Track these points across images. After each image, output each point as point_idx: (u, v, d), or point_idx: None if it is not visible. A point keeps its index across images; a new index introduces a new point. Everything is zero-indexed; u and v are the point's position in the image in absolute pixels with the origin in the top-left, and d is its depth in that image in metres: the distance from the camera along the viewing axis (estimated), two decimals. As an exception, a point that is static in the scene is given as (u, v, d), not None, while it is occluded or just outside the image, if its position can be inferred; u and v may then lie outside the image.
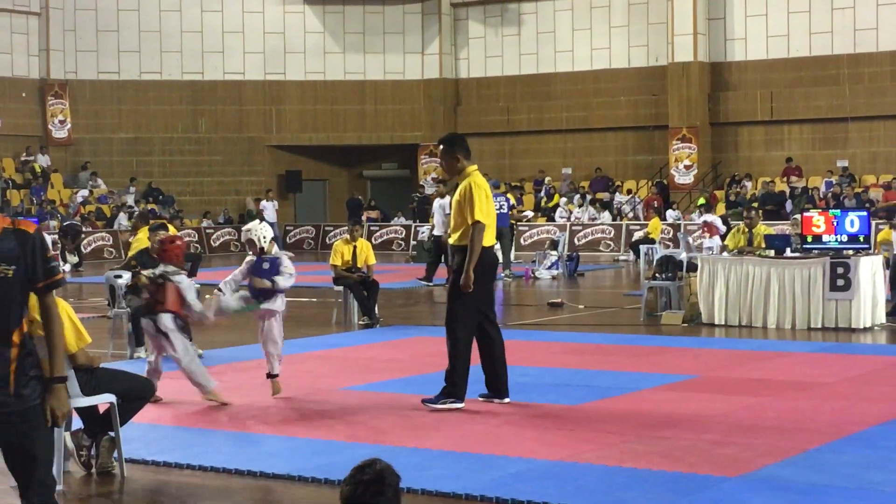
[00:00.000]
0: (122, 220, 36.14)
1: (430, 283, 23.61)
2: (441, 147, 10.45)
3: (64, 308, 7.77)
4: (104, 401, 7.99)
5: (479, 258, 10.02)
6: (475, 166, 10.34)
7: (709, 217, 28.26)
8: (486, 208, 10.05)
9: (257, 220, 11.72)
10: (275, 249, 11.17)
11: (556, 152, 40.88)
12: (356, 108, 42.21)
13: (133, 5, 40.78)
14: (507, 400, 10.34)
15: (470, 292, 10.00)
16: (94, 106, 40.74)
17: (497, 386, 10.40)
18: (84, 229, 34.90)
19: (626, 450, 8.46)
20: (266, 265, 10.93)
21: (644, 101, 38.95)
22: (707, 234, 26.01)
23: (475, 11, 41.93)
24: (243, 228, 11.58)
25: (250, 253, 11.21)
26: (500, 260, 23.09)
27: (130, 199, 39.00)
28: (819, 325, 15.63)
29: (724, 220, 28.10)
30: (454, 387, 10.15)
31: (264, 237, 11.09)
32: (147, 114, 41.12)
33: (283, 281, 10.91)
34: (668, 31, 37.72)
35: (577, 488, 7.35)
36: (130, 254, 15.77)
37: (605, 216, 36.55)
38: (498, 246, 14.58)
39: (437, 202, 24.72)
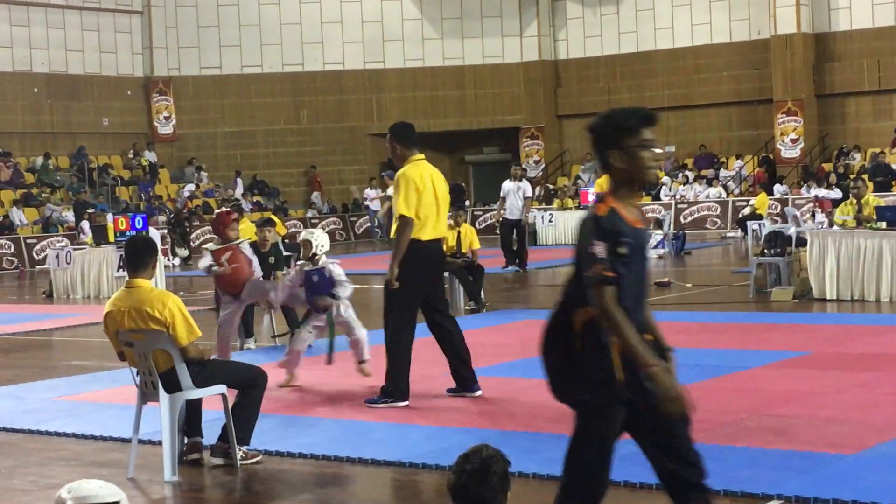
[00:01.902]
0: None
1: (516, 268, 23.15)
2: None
3: (174, 302, 7.88)
4: (216, 392, 8.07)
5: (418, 252, 9.68)
6: (419, 156, 9.91)
7: (821, 192, 27.80)
8: (420, 201, 9.66)
9: (319, 229, 11.84)
10: (323, 259, 11.13)
11: (659, 130, 39.66)
12: (456, 94, 42.22)
13: (232, 0, 41.21)
14: (477, 393, 9.95)
15: (411, 289, 9.69)
16: (197, 101, 41.26)
17: (464, 379, 10.02)
18: (193, 223, 35.41)
19: (738, 429, 8.34)
20: (315, 277, 10.96)
21: (747, 76, 38.41)
22: (819, 209, 25.57)
23: (572, -8, 41.69)
24: (305, 231, 11.64)
25: (301, 257, 11.31)
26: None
27: (238, 192, 39.44)
28: (934, 298, 15.30)
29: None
30: (394, 385, 9.81)
31: (322, 245, 11.13)
32: (249, 107, 41.55)
33: (343, 291, 10.96)
34: (769, 2, 37.12)
35: (690, 469, 7.25)
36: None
37: (713, 192, 36.13)
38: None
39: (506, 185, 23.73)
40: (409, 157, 9.90)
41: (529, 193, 24.00)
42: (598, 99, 41.10)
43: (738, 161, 38.08)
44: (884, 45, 36.26)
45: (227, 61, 41.42)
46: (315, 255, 11.08)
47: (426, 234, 9.78)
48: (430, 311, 10.00)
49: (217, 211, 12.10)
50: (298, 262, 11.33)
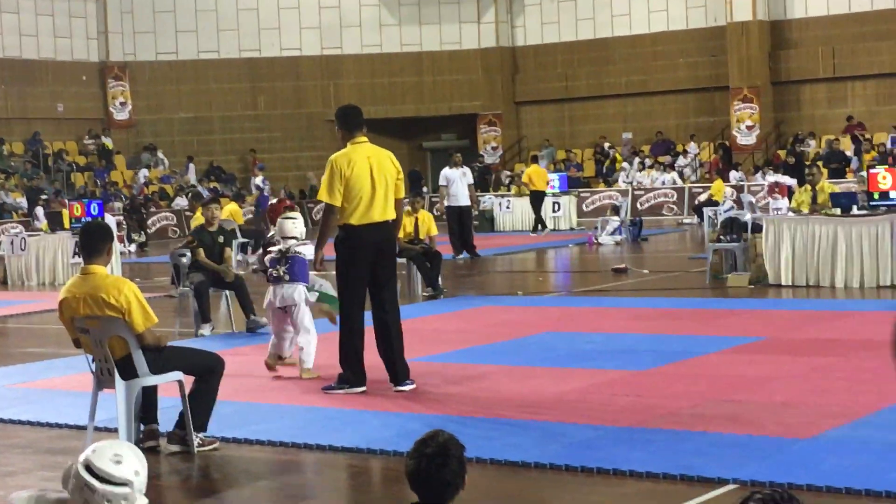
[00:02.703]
0: (182, 202, 36.15)
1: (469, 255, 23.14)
2: None
3: (130, 288, 7.84)
4: (172, 378, 8.03)
5: (349, 237, 9.65)
6: (360, 139, 9.80)
7: (778, 177, 27.97)
8: (348, 185, 9.56)
9: (299, 213, 11.90)
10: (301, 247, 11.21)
11: (616, 117, 40.62)
12: (413, 80, 42.16)
13: (189, -15, 40.99)
14: (406, 388, 9.69)
15: (350, 274, 9.70)
16: (153, 87, 41.00)
17: (393, 372, 9.84)
18: (150, 209, 35.22)
19: (695, 414, 8.39)
20: (288, 264, 11.01)
21: (703, 63, 38.57)
22: (778, 195, 25.73)
23: (530, -22, 41.70)
24: (290, 214, 11.65)
25: (277, 237, 11.34)
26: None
27: (193, 179, 39.25)
28: (888, 283, 15.40)
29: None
30: (350, 372, 9.78)
31: (303, 233, 11.25)
32: (206, 93, 41.32)
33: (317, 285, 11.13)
34: (726, -10, 37.30)
35: (646, 454, 7.30)
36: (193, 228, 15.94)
37: (667, 177, 36.28)
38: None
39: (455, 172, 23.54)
40: (349, 140, 9.83)
41: (472, 179, 24.03)
42: (556, 85, 41.20)
43: (693, 146, 38.23)
44: (838, 32, 36.49)
45: (183, 47, 41.18)
46: (295, 238, 11.15)
47: (356, 219, 9.64)
48: (373, 297, 9.91)
49: (270, 202, 12.17)
50: (277, 247, 11.24)
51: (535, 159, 30.92)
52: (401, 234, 16.83)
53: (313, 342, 10.78)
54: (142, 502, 3.91)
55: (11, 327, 16.60)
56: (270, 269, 11.07)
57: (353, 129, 9.86)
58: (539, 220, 29.40)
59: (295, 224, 11.36)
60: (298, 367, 10.76)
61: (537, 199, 29.31)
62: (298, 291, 10.95)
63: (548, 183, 30.14)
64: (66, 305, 7.90)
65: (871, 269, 15.58)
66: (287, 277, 10.96)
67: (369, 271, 9.76)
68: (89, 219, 21.00)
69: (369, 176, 9.66)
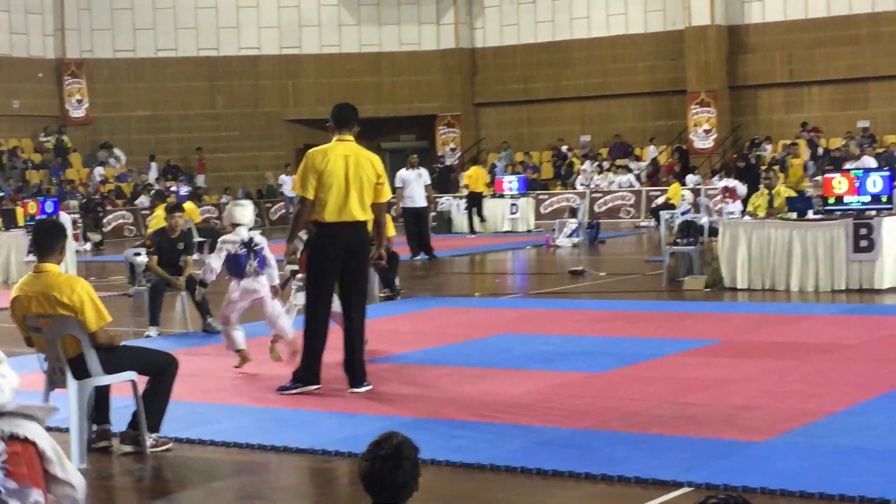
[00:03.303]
0: (145, 202, 35.83)
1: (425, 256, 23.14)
2: None
3: (83, 287, 7.76)
4: (125, 378, 7.96)
5: (319, 234, 9.62)
6: (345, 137, 9.74)
7: (730, 182, 28.07)
8: (320, 182, 9.50)
9: (249, 201, 11.99)
10: (257, 237, 11.34)
11: (575, 120, 40.71)
12: (373, 81, 42.07)
13: (147, -18, 40.73)
14: (362, 389, 9.62)
15: (317, 271, 9.70)
16: (111, 84, 40.72)
17: (351, 375, 9.77)
18: (106, 208, 34.98)
19: (651, 416, 8.40)
20: (257, 258, 11.18)
21: (662, 66, 38.71)
22: (729, 200, 25.85)
23: (490, -20, 41.72)
24: (241, 202, 11.77)
25: (227, 224, 11.50)
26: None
27: (152, 177, 39.00)
28: (843, 287, 15.50)
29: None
30: (303, 370, 9.75)
31: (251, 221, 11.45)
32: (164, 91, 41.08)
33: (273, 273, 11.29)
34: (684, -6, 37.45)
35: (603, 457, 7.30)
36: (148, 233, 15.79)
37: (623, 179, 36.43)
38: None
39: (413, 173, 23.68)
40: (336, 136, 9.79)
41: (429, 180, 24.04)
42: (515, 87, 41.24)
43: (652, 148, 38.38)
44: (795, 37, 36.73)
45: (141, 44, 40.92)
46: (243, 224, 11.26)
47: (327, 216, 9.58)
48: (342, 296, 9.89)
49: None
50: (235, 239, 11.27)
51: (475, 161, 31.65)
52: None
53: (289, 318, 11.19)
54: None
55: (-37, 325, 16.40)
56: (242, 266, 11.12)
57: (341, 126, 9.79)
58: (471, 222, 30.49)
59: (244, 211, 11.39)
60: (278, 347, 11.18)
61: (474, 200, 30.37)
62: (267, 278, 11.17)
63: (487, 184, 31.21)
64: (17, 304, 7.81)
65: (826, 272, 15.67)
66: (259, 270, 11.16)
67: (338, 271, 9.70)
68: (44, 217, 20.82)
69: (343, 174, 9.57)
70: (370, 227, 9.89)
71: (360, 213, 9.64)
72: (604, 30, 39.74)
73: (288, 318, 11.20)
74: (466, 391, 9.65)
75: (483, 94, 42.05)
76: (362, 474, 4.27)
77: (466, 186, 30.85)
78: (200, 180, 40.25)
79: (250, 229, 11.37)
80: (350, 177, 9.59)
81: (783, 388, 9.31)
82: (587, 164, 38.29)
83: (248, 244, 11.11)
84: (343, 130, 9.77)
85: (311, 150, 9.79)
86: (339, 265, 9.67)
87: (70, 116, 40.39)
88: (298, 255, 10.30)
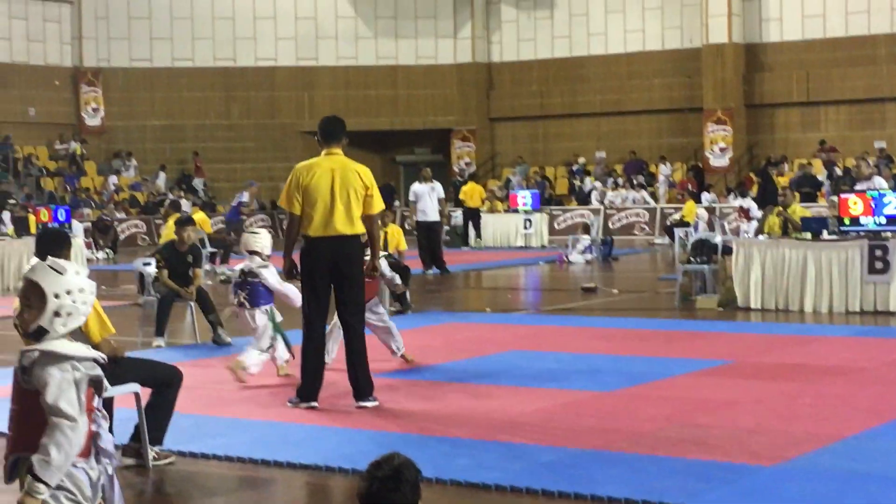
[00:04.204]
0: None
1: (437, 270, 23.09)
2: None
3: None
4: (129, 390, 7.89)
5: (306, 248, 9.57)
6: (333, 150, 9.65)
7: (744, 202, 28.00)
8: (305, 196, 9.47)
9: (265, 230, 11.92)
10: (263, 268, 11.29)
11: (590, 136, 40.64)
12: (388, 94, 42.07)
13: (165, -8, 40.81)
14: (368, 404, 9.54)
15: (306, 286, 9.62)
16: (126, 93, 40.78)
17: (355, 387, 9.68)
18: (117, 216, 34.96)
19: (659, 438, 8.29)
20: (248, 290, 11.18)
21: (678, 84, 38.64)
22: (744, 219, 25.76)
23: (507, -6, 41.70)
24: (254, 229, 11.78)
25: (243, 251, 11.46)
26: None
27: (163, 186, 39.01)
28: (857, 309, 15.38)
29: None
30: (301, 387, 9.68)
31: (265, 247, 11.37)
32: (179, 101, 41.13)
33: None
34: (702, 12, 37.37)
35: (609, 478, 7.19)
36: (161, 242, 15.75)
37: (636, 195, 36.37)
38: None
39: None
40: (324, 150, 9.74)
41: (443, 194, 23.99)
42: (531, 102, 41.19)
43: (664, 166, 38.27)
44: (813, 57, 36.62)
45: (157, 54, 40.98)
46: (258, 253, 11.23)
47: (313, 230, 9.54)
48: (338, 311, 9.83)
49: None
50: (241, 269, 11.25)
51: (472, 177, 32.02)
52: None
53: (278, 345, 11.05)
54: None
55: (-28, 333, 16.35)
56: (232, 295, 11.18)
57: (329, 139, 9.73)
58: (475, 236, 30.91)
59: (257, 239, 11.37)
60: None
61: (470, 215, 30.88)
62: (257, 316, 11.06)
63: (482, 200, 31.59)
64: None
65: (840, 294, 15.55)
66: (248, 304, 11.09)
67: (329, 284, 9.63)
68: (55, 225, 20.81)
69: (329, 187, 9.51)
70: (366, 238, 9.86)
71: (347, 226, 9.54)
72: (621, 46, 39.67)
73: (280, 344, 11.12)
74: (473, 408, 9.56)
75: (498, 108, 42.01)
76: (359, 494, 4.17)
77: (462, 202, 31.11)
78: (198, 184, 40.18)
79: (268, 256, 11.31)
80: (336, 190, 9.50)
81: (794, 410, 9.20)
82: (592, 181, 38.24)
83: (242, 280, 11.13)
84: (331, 143, 9.72)
85: (298, 165, 9.76)
86: (328, 280, 9.59)
87: (85, 125, 40.44)
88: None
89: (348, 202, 9.53)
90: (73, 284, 4.51)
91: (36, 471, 4.32)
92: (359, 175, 9.66)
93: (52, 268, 4.53)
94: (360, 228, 9.66)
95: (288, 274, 10.07)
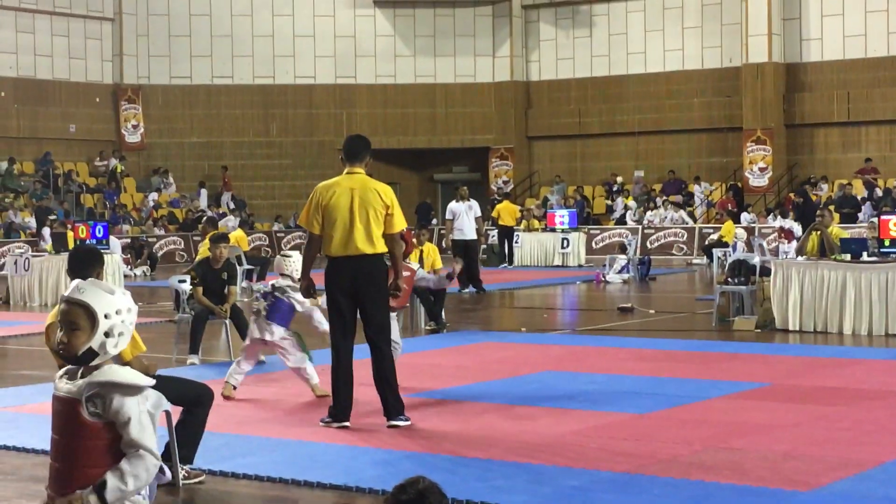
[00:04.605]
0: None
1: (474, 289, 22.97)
2: None
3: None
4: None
5: (330, 268, 9.57)
6: (355, 170, 9.67)
7: (786, 223, 27.80)
8: (324, 216, 9.48)
9: (297, 252, 11.88)
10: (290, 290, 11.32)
11: (628, 155, 40.51)
12: (427, 112, 42.08)
13: (205, 10, 40.99)
14: (400, 423, 9.46)
15: (329, 306, 9.59)
16: (166, 111, 40.99)
17: (386, 407, 9.60)
18: (156, 233, 35.10)
19: (693, 461, 8.18)
20: (271, 302, 11.22)
21: (717, 103, 38.46)
22: (785, 240, 25.56)
23: (546, 13, 41.64)
24: (287, 252, 11.85)
25: (279, 277, 11.45)
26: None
27: (203, 204, 39.17)
28: (897, 332, 15.21)
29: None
30: (333, 406, 9.63)
31: (297, 270, 11.18)
32: (219, 118, 41.29)
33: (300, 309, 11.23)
34: (742, 31, 37.20)
35: (641, 502, 7.10)
36: (197, 259, 15.76)
37: (675, 215, 36.22)
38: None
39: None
40: (346, 170, 9.74)
41: (479, 213, 23.94)
42: (569, 121, 41.11)
43: (697, 186, 38.09)
44: (854, 77, 36.38)
45: (197, 71, 41.17)
46: (290, 276, 11.30)
47: (333, 250, 9.54)
48: (364, 329, 9.74)
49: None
50: (272, 284, 11.29)
51: (507, 195, 32.04)
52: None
53: (307, 360, 11.06)
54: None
55: (11, 348, 16.42)
56: (255, 302, 11.23)
57: (352, 158, 9.73)
58: (507, 255, 30.88)
59: (288, 262, 11.38)
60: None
61: (505, 234, 30.84)
62: (276, 332, 11.09)
63: (517, 219, 31.60)
64: (52, 331, 7.71)
65: (879, 316, 15.38)
66: (265, 314, 11.13)
67: (353, 304, 9.59)
68: (93, 241, 20.88)
69: (349, 206, 9.49)
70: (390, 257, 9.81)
71: (367, 246, 9.50)
72: (660, 65, 39.55)
73: (305, 361, 11.14)
74: (506, 429, 9.47)
75: (537, 127, 41.94)
76: (383, 518, 4.11)
77: (496, 220, 31.05)
78: (227, 198, 40.28)
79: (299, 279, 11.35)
80: (355, 209, 9.48)
81: (831, 435, 9.07)
82: (625, 202, 38.13)
83: (270, 291, 11.14)
84: (354, 163, 9.71)
85: (318, 185, 9.76)
86: (351, 299, 9.56)
87: (125, 141, 40.65)
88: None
89: (368, 221, 9.49)
90: (122, 304, 4.43)
91: (106, 493, 4.22)
92: (378, 194, 9.59)
93: (100, 288, 4.45)
94: (381, 247, 9.61)
95: (305, 293, 10.07)
